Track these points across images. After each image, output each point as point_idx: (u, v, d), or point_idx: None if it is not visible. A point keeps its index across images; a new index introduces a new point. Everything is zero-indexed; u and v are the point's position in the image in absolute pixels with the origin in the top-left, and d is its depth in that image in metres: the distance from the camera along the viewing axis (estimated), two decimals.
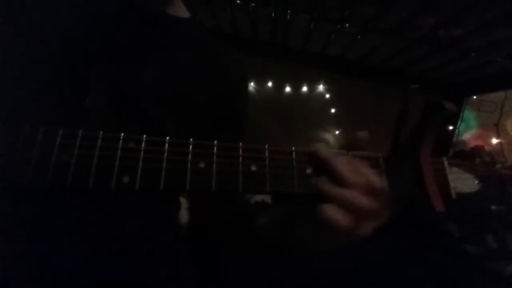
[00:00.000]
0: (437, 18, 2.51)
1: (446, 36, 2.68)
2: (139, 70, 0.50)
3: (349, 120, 4.05)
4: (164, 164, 0.36)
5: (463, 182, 0.46)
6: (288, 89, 4.29)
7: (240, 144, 0.39)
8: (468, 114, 3.69)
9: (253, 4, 2.98)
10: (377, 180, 0.40)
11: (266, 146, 0.40)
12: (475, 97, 3.71)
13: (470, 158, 0.49)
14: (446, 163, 0.46)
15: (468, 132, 3.46)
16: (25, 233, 0.43)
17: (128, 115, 0.46)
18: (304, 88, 4.30)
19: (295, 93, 4.30)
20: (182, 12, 0.58)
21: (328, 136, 4.17)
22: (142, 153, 0.36)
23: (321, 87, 4.29)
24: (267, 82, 4.22)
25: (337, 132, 4.23)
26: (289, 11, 2.98)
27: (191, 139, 0.38)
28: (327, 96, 4.29)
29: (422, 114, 0.44)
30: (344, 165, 0.40)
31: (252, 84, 4.17)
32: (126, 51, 0.50)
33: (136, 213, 0.51)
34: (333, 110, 4.27)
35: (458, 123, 3.58)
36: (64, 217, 0.44)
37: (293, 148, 0.41)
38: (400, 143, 0.49)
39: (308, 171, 0.40)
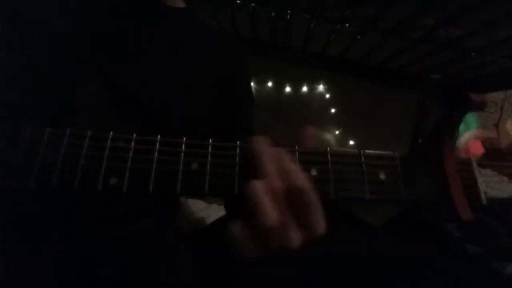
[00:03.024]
0: (437, 18, 2.51)
1: (446, 36, 2.68)
2: (137, 63, 0.49)
3: (349, 120, 4.05)
4: (154, 165, 0.34)
5: (495, 185, 0.40)
6: (288, 89, 4.29)
7: (238, 143, 0.36)
8: (468, 114, 3.68)
9: (253, 4, 2.97)
10: (301, 176, 0.34)
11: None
12: None
13: (502, 157, 0.42)
14: (474, 163, 0.40)
15: (467, 132, 3.45)
16: (22, 234, 0.43)
17: (129, 111, 0.45)
18: (304, 88, 4.30)
19: (295, 93, 4.29)
20: (177, 2, 0.58)
21: (328, 136, 4.17)
22: (131, 152, 0.34)
23: (321, 87, 4.29)
24: (267, 82, 4.22)
25: (337, 132, 4.23)
26: (289, 11, 2.98)
27: (184, 138, 0.35)
28: (327, 96, 4.29)
29: (444, 106, 0.38)
30: (266, 157, 0.34)
31: (252, 83, 4.16)
32: (122, 44, 0.49)
33: (136, 214, 0.51)
34: (333, 110, 4.27)
35: None
36: (63, 219, 0.44)
37: (296, 147, 0.36)
38: (419, 141, 0.42)
39: (312, 173, 0.35)
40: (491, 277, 1.31)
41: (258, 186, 0.32)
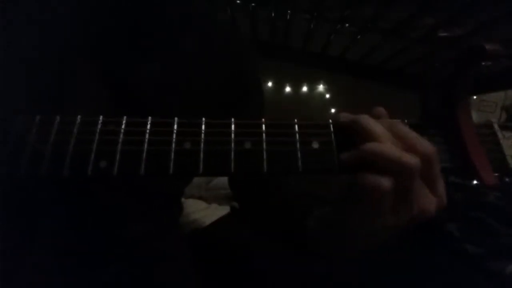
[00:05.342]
0: (437, 18, 2.51)
1: (446, 36, 2.68)
2: (137, 60, 0.47)
3: None
4: (145, 146, 0.33)
5: None
6: (288, 89, 4.29)
7: (232, 119, 0.34)
8: None
9: (253, 4, 2.97)
10: (428, 144, 0.31)
11: (263, 120, 0.35)
12: (475, 97, 3.71)
13: None
14: (496, 126, 0.37)
15: None
16: (25, 234, 0.43)
17: (129, 110, 0.45)
18: (304, 88, 4.30)
19: (295, 93, 4.29)
20: None
21: None
22: (121, 135, 0.33)
23: (321, 87, 4.29)
24: (267, 82, 4.22)
25: None
26: (289, 11, 2.98)
27: (175, 118, 0.34)
28: (327, 96, 4.29)
29: (456, 62, 0.35)
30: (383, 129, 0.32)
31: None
32: (121, 40, 0.47)
33: (138, 217, 0.50)
34: (333, 110, 4.27)
35: None
36: (65, 221, 0.44)
37: (296, 120, 0.36)
38: (430, 103, 0.38)
39: (315, 146, 0.34)
40: (491, 277, 1.31)
41: (379, 145, 0.30)
